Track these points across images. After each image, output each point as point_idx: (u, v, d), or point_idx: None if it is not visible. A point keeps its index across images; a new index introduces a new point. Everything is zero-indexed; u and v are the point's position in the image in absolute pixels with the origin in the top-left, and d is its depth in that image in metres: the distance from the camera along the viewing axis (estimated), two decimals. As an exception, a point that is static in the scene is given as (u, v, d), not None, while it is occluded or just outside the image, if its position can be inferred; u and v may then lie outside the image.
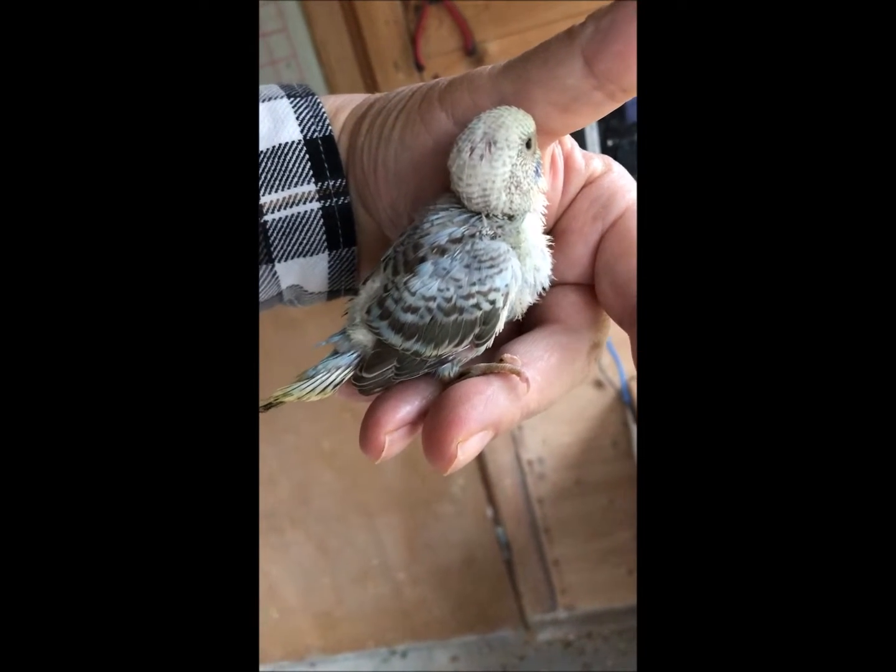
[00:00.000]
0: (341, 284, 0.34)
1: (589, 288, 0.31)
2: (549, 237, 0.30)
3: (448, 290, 0.28)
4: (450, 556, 1.66)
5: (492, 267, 0.28)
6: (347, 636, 1.79)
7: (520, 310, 0.30)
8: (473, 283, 0.28)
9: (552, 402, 0.29)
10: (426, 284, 0.28)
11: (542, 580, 1.65)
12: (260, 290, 0.33)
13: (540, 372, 0.28)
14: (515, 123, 0.28)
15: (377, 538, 1.67)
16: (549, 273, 0.30)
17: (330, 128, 0.32)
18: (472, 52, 1.15)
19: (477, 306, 0.28)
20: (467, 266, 0.28)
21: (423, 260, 0.29)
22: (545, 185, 0.29)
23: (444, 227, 0.29)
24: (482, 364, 0.29)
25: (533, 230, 0.29)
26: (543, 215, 0.30)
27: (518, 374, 0.28)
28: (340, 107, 0.33)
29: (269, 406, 0.31)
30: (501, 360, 0.28)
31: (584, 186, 0.31)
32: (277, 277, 0.32)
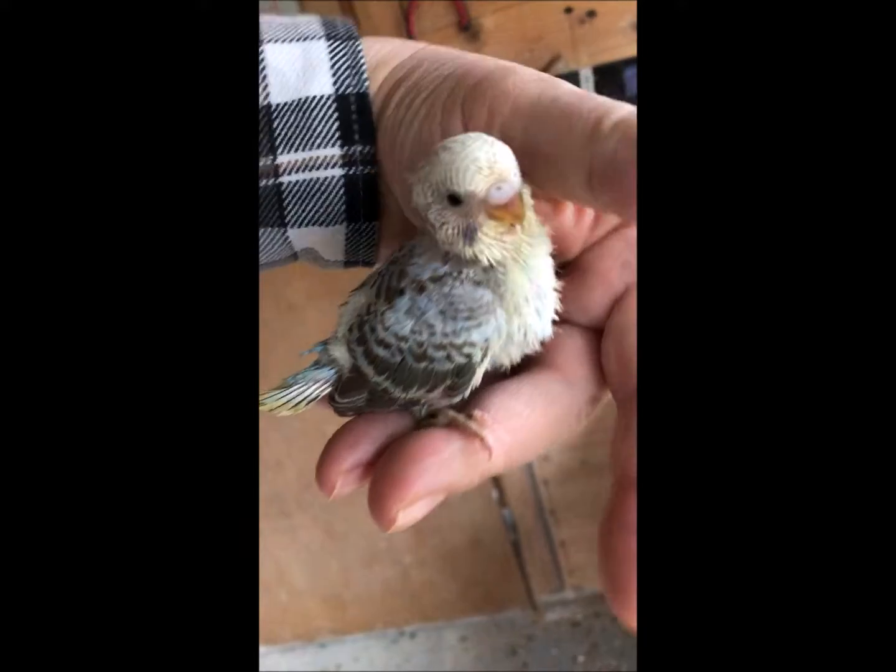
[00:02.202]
0: (359, 257, 0.32)
1: (599, 334, 0.27)
2: (558, 283, 0.26)
3: (421, 333, 0.26)
4: (456, 538, 1.66)
5: (469, 318, 0.25)
6: (356, 618, 1.80)
7: (508, 361, 0.27)
8: (446, 334, 0.25)
9: (525, 461, 0.26)
10: (400, 322, 0.26)
11: (549, 561, 1.65)
12: (272, 250, 0.30)
13: (512, 431, 0.25)
14: (445, 169, 0.24)
15: (384, 521, 1.68)
16: (548, 330, 0.26)
17: (367, 84, 0.28)
18: (466, 27, 1.12)
19: (449, 358, 0.25)
20: (442, 312, 0.25)
21: (402, 292, 0.26)
22: (481, 255, 0.25)
23: (430, 259, 0.26)
24: (450, 413, 0.26)
25: (519, 285, 0.26)
26: (554, 258, 0.26)
27: (482, 439, 0.25)
28: (383, 61, 0.29)
29: None
30: (471, 416, 0.25)
31: (619, 226, 0.27)
32: (290, 242, 0.30)
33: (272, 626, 1.81)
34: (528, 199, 0.25)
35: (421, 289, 0.26)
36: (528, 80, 0.26)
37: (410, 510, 0.25)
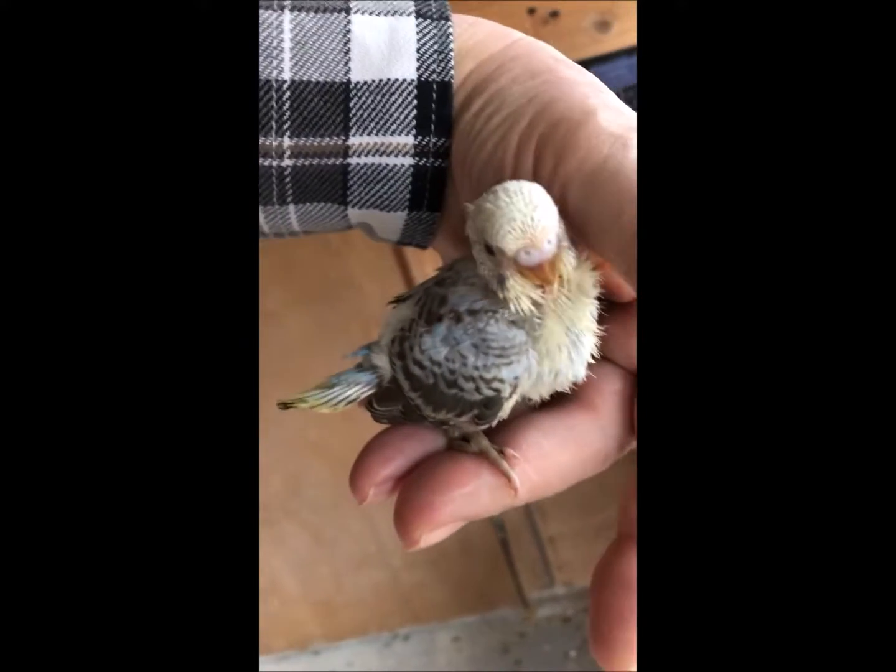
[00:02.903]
0: (413, 240, 0.32)
1: None
2: (600, 327, 0.27)
3: (454, 362, 0.26)
4: (445, 539, 1.66)
5: (500, 356, 0.26)
6: (349, 623, 1.80)
7: (538, 397, 0.28)
8: (477, 367, 0.26)
9: (547, 496, 0.27)
10: (436, 347, 0.27)
11: (538, 558, 1.66)
12: (328, 222, 0.31)
13: (540, 471, 0.26)
14: (484, 220, 0.25)
15: (372, 525, 1.68)
16: (581, 374, 0.27)
17: (452, 73, 0.28)
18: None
19: (477, 390, 0.26)
20: (476, 346, 0.26)
21: (441, 319, 0.27)
22: (510, 303, 0.26)
23: (471, 290, 0.27)
24: (483, 442, 0.27)
25: (554, 333, 0.26)
26: (602, 299, 0.27)
27: (509, 479, 0.26)
28: (472, 50, 0.29)
29: (285, 406, 0.30)
30: (502, 452, 0.26)
31: None
32: (347, 218, 0.30)
33: (265, 635, 1.81)
34: (567, 264, 0.26)
35: (458, 319, 0.27)
36: (602, 135, 0.25)
37: (433, 535, 0.26)
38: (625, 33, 1.07)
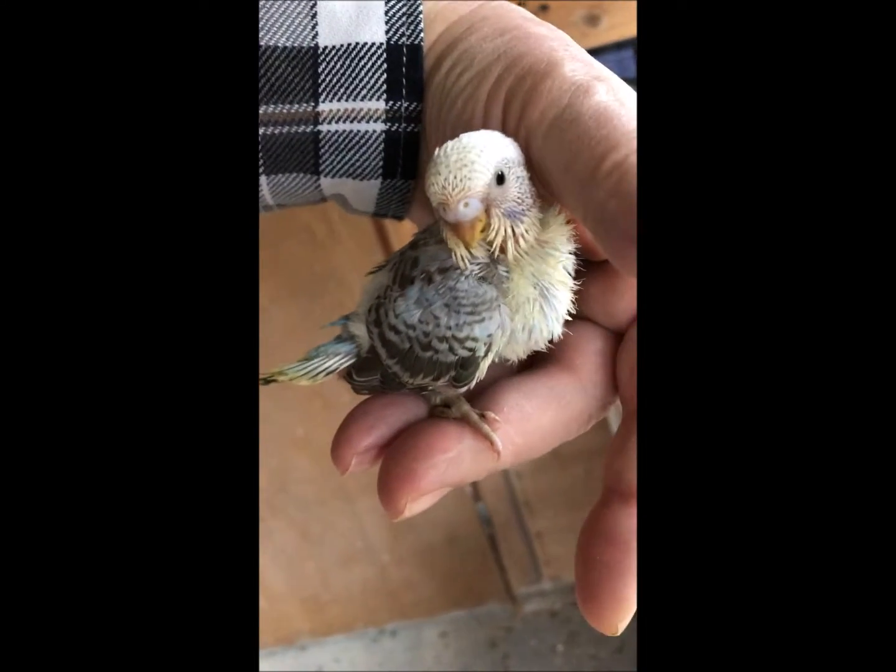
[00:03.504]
0: (389, 211, 0.31)
1: (621, 339, 0.27)
2: (574, 283, 0.26)
3: (427, 324, 0.26)
4: (432, 535, 1.66)
5: (472, 314, 0.25)
6: (336, 619, 1.80)
7: (515, 357, 0.27)
8: (450, 327, 0.26)
9: (532, 458, 0.27)
10: (409, 310, 0.26)
11: (525, 553, 1.66)
12: (301, 194, 0.30)
13: (523, 434, 0.26)
14: (427, 170, 0.25)
15: (359, 521, 1.67)
16: (557, 330, 0.26)
17: (422, 35, 0.27)
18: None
19: (451, 351, 0.26)
20: (447, 305, 0.26)
21: (413, 282, 0.26)
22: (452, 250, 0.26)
23: (441, 248, 0.26)
24: (464, 407, 0.26)
25: (521, 286, 0.26)
26: (578, 255, 0.26)
27: (491, 442, 0.25)
28: (441, 13, 0.28)
29: (265, 381, 0.30)
30: (483, 415, 0.26)
31: None
32: (321, 188, 0.30)
33: (251, 631, 1.80)
34: (501, 230, 0.25)
35: (429, 280, 0.26)
36: (564, 84, 0.24)
37: (417, 504, 0.25)
38: (614, 28, 1.07)
